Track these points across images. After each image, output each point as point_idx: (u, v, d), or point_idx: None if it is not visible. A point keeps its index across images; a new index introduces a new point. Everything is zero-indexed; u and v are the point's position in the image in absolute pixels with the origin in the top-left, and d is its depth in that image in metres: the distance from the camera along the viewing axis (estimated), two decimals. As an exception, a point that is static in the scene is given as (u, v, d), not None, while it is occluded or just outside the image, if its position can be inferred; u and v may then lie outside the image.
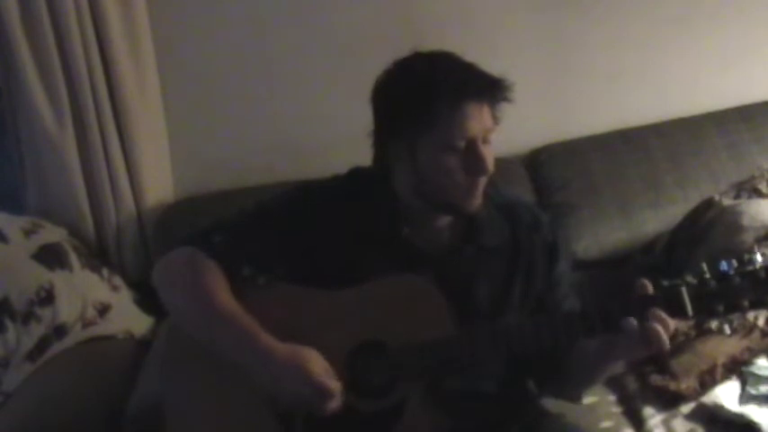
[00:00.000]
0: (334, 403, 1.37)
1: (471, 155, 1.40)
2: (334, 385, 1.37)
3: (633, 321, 1.31)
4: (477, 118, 1.39)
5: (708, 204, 2.20)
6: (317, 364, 1.37)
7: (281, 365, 1.37)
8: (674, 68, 2.52)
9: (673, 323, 1.31)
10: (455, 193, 1.44)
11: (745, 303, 1.30)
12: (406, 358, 1.40)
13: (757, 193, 2.21)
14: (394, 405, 1.41)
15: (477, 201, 1.45)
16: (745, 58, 2.54)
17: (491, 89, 1.40)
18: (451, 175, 1.42)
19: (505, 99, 1.42)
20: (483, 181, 1.44)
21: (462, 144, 1.40)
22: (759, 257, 1.30)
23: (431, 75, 1.40)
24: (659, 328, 1.30)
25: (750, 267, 1.30)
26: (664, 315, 1.31)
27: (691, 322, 1.87)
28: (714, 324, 1.78)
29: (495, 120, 1.43)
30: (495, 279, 1.51)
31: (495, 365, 1.50)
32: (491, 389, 1.51)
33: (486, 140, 1.42)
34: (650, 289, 1.35)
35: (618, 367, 1.52)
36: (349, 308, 1.45)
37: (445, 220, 1.51)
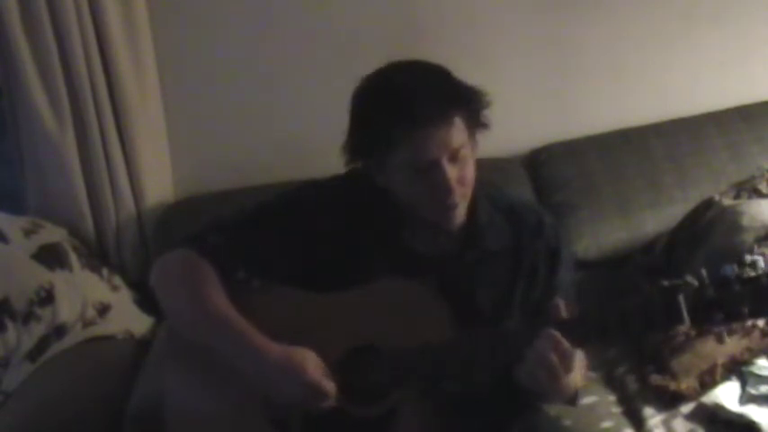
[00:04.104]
0: (328, 403, 1.37)
1: (434, 177, 1.37)
2: (328, 386, 1.37)
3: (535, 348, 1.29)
4: (437, 141, 1.35)
5: (708, 204, 2.20)
6: (311, 364, 1.37)
7: (275, 366, 1.37)
8: (674, 68, 2.52)
9: (573, 351, 1.28)
10: (429, 211, 1.42)
11: (745, 311, 1.27)
12: (406, 361, 1.40)
13: (757, 193, 2.21)
14: (389, 409, 1.41)
15: (455, 217, 1.42)
16: (745, 58, 2.54)
17: (450, 110, 1.35)
18: (420, 196, 1.40)
19: (475, 110, 1.38)
20: (455, 199, 1.40)
21: (425, 165, 1.36)
22: (762, 262, 1.28)
23: (386, 98, 1.37)
24: (548, 354, 1.27)
25: (752, 273, 1.27)
26: (559, 340, 1.28)
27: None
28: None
29: (472, 130, 1.39)
30: (496, 283, 1.49)
31: (494, 369, 1.49)
32: (489, 392, 1.49)
33: (455, 158, 1.37)
34: (563, 311, 1.32)
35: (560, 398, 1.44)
36: (347, 310, 1.44)
37: None
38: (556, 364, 1.27)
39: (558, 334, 1.28)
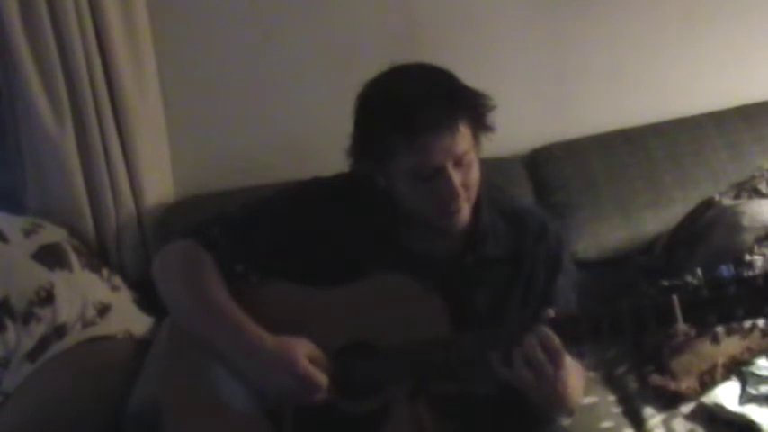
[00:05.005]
0: (320, 395, 1.38)
1: (439, 182, 1.36)
2: (320, 378, 1.38)
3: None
4: (442, 147, 1.34)
5: (708, 204, 2.20)
6: (303, 356, 1.38)
7: (268, 357, 1.38)
8: (674, 68, 2.52)
9: (562, 350, 1.26)
10: (433, 215, 1.42)
11: (740, 313, 1.25)
12: (401, 358, 1.40)
13: (757, 193, 2.21)
14: (381, 406, 1.41)
15: (459, 221, 1.42)
16: (745, 58, 2.54)
17: (455, 116, 1.34)
18: (424, 201, 1.40)
19: (480, 115, 1.37)
20: (459, 203, 1.39)
21: (429, 172, 1.36)
22: (760, 263, 1.27)
23: (389, 105, 1.35)
24: (535, 351, 1.26)
25: (749, 273, 1.25)
26: (547, 336, 1.26)
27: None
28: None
29: (477, 135, 1.39)
30: (495, 288, 1.49)
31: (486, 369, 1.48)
32: (487, 392, 1.48)
33: (460, 163, 1.36)
34: (551, 313, 1.31)
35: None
36: (345, 307, 1.45)
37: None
38: (543, 361, 1.26)
39: (547, 331, 1.28)
